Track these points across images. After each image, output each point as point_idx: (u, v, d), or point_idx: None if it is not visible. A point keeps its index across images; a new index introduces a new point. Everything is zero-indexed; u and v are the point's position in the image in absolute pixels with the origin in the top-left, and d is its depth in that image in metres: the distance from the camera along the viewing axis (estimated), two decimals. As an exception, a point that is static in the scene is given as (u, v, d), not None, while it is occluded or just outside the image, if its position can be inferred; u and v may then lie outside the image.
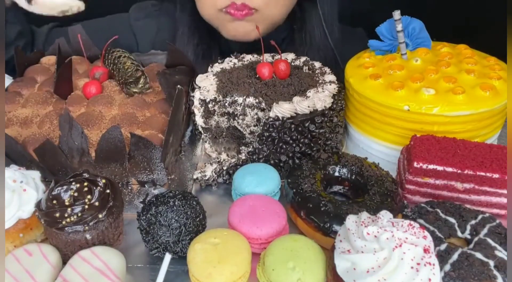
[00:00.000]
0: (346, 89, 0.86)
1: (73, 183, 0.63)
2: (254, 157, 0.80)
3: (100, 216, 0.62)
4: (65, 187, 0.63)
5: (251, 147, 0.80)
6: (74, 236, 0.62)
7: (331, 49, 1.05)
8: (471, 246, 0.58)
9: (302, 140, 0.78)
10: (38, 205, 0.64)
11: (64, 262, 0.62)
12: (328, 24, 1.04)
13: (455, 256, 0.56)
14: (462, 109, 0.73)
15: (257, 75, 0.86)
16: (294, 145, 0.78)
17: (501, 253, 0.56)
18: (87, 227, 0.62)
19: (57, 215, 0.61)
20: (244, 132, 0.83)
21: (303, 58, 0.93)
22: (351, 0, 1.15)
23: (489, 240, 0.58)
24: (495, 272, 0.54)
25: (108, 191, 0.64)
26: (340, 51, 1.05)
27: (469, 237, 0.60)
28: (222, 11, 0.94)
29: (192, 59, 1.04)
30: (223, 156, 0.87)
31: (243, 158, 0.81)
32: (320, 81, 0.85)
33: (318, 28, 1.05)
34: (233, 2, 0.92)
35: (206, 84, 0.85)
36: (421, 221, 0.62)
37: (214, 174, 0.81)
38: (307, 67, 0.91)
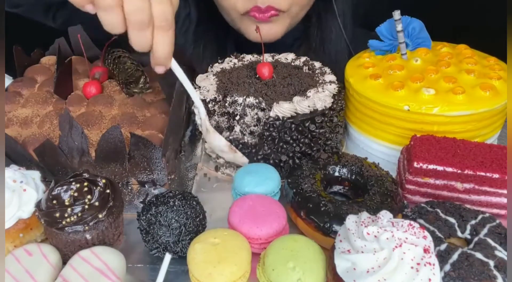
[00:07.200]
0: (346, 89, 0.86)
1: (73, 183, 0.63)
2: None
3: (100, 216, 0.62)
4: (65, 187, 0.63)
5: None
6: (74, 236, 0.62)
7: (346, 46, 1.04)
8: (471, 246, 0.58)
9: (302, 140, 0.78)
10: (38, 205, 0.64)
11: (64, 262, 0.62)
12: (343, 22, 1.03)
13: (455, 256, 0.56)
14: (462, 109, 0.73)
15: (257, 75, 0.86)
16: (294, 144, 0.78)
17: (501, 253, 0.56)
18: (87, 227, 0.62)
19: (57, 215, 0.61)
20: (244, 133, 0.83)
21: (303, 58, 0.93)
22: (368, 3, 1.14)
23: (489, 240, 0.58)
24: (495, 272, 0.54)
25: (108, 191, 0.64)
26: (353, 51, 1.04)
27: (469, 237, 0.60)
28: (245, 15, 0.92)
29: (201, 51, 1.04)
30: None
31: (243, 158, 0.81)
32: (320, 81, 0.85)
33: (333, 25, 1.03)
34: (256, 6, 0.90)
35: (206, 84, 0.85)
36: (421, 221, 0.62)
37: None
38: (307, 67, 0.91)
